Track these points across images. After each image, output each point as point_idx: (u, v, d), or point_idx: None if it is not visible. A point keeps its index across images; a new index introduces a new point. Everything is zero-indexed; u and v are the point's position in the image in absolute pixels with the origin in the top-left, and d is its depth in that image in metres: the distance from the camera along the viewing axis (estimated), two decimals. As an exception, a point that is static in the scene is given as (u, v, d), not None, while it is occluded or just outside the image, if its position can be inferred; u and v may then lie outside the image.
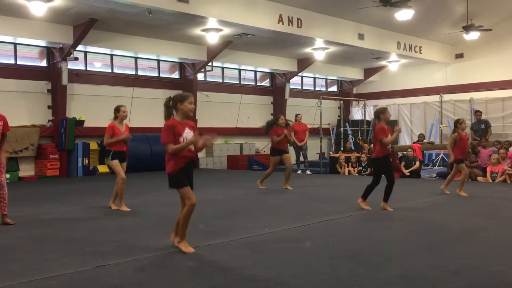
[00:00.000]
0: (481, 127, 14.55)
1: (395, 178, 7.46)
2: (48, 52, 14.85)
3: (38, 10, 11.90)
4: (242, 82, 20.10)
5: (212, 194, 9.56)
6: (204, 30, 14.67)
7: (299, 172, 14.46)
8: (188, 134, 4.83)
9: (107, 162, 7.79)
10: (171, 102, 4.89)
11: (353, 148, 17.19)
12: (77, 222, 6.68)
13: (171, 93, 16.47)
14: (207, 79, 18.79)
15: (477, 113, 14.83)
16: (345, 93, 23.45)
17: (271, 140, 10.66)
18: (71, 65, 14.82)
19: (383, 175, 7.41)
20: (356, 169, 14.68)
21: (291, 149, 16.17)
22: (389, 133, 7.36)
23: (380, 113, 7.44)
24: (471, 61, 20.23)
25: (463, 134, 9.07)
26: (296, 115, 13.97)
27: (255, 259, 4.59)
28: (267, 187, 10.38)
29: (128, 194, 8.04)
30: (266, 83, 21.09)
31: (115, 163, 7.65)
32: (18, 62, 14.46)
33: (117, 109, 7.72)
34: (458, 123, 9.07)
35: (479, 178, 11.96)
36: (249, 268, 4.28)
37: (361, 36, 17.18)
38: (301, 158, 14.51)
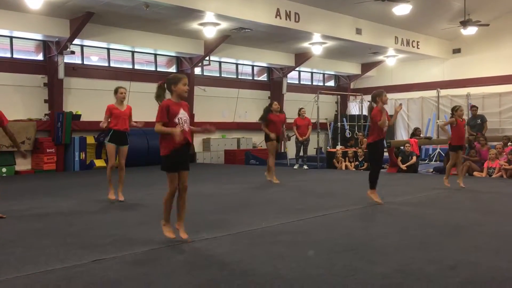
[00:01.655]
0: (477, 123, 14.56)
1: (381, 166, 7.43)
2: (45, 45, 14.79)
3: (34, 3, 11.84)
4: (239, 77, 20.08)
5: (209, 188, 9.56)
6: (201, 24, 14.63)
7: (296, 167, 14.44)
8: (182, 114, 4.90)
9: (105, 141, 7.81)
10: (165, 84, 4.98)
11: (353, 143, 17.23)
12: (74, 216, 6.67)
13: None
14: (204, 74, 18.76)
15: (473, 108, 14.83)
16: (343, 88, 23.45)
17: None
18: (68, 59, 14.78)
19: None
20: (353, 163, 14.70)
21: (292, 144, 16.23)
22: (387, 117, 7.33)
23: (377, 96, 7.36)
24: (469, 56, 20.25)
25: (460, 120, 9.12)
26: (300, 109, 13.93)
27: (252, 253, 4.59)
28: (268, 181, 10.34)
29: (125, 188, 8.03)
30: (263, 77, 21.07)
31: (110, 146, 7.66)
32: (14, 56, 14.40)
33: (115, 91, 7.83)
34: (454, 110, 9.20)
35: (476, 173, 11.99)
36: (246, 262, 4.28)
37: (358, 31, 17.17)
38: (301, 153, 14.48)
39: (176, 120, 4.83)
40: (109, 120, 7.66)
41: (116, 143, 7.68)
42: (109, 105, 7.73)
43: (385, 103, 7.35)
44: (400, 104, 7.79)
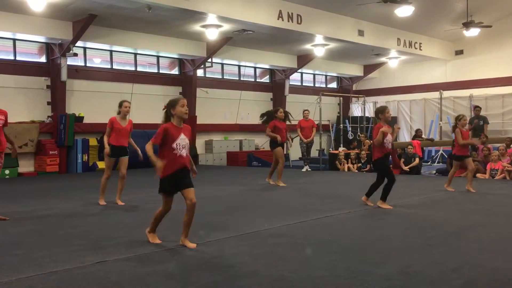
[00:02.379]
0: (479, 123, 14.57)
1: (395, 177, 7.44)
2: (48, 48, 14.83)
3: (37, 5, 11.86)
4: (241, 79, 20.09)
5: (212, 190, 9.56)
6: (203, 26, 14.65)
7: (304, 169, 14.33)
8: (183, 140, 4.83)
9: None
10: (166, 109, 4.95)
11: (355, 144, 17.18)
12: (76, 218, 6.68)
13: (171, 89, 16.47)
14: (207, 75, 18.78)
15: (476, 108, 14.83)
16: (345, 89, 23.44)
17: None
18: (71, 61, 14.82)
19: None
20: (355, 165, 14.69)
21: (294, 147, 16.21)
22: (389, 132, 7.33)
23: (379, 112, 7.40)
24: (471, 57, 20.23)
25: (464, 130, 9.08)
26: (304, 111, 13.96)
27: (255, 255, 4.59)
28: (271, 183, 10.35)
29: (127, 190, 8.05)
30: (265, 79, 21.08)
31: (109, 160, 7.74)
32: (17, 58, 14.45)
33: (120, 104, 7.83)
34: (457, 119, 9.14)
35: (479, 175, 11.96)
36: (249, 264, 4.28)
37: (361, 33, 17.16)
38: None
39: (174, 145, 4.77)
40: (110, 133, 7.70)
41: (115, 156, 7.75)
42: (112, 118, 7.73)
43: (388, 120, 7.31)
44: (399, 128, 7.85)
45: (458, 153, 9.16)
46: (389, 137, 7.28)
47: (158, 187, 4.88)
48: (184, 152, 4.85)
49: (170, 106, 4.90)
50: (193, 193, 4.79)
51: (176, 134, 4.82)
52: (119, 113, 7.78)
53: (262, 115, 10.79)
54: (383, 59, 20.96)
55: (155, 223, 5.07)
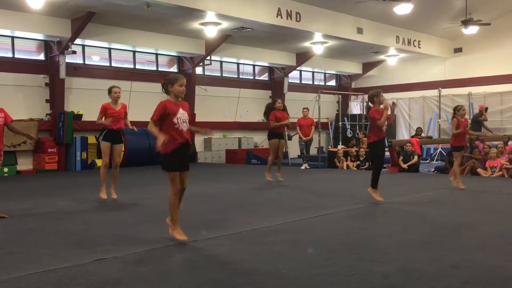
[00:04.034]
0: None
1: (382, 165, 7.44)
2: (46, 45, 14.81)
3: (36, 3, 11.86)
4: (240, 76, 20.08)
5: (210, 188, 9.57)
6: (202, 24, 14.64)
7: (303, 167, 14.34)
8: (182, 114, 4.89)
9: (99, 140, 7.85)
10: (164, 85, 5.02)
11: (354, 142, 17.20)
12: (75, 215, 6.68)
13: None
14: (206, 73, 18.77)
15: (487, 110, 14.88)
16: (344, 87, 23.45)
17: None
18: (69, 59, 14.80)
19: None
20: (354, 163, 14.70)
21: (293, 144, 16.23)
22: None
23: (374, 96, 7.39)
24: (470, 55, 20.24)
25: (462, 121, 9.06)
26: (303, 109, 13.96)
27: (253, 252, 4.59)
28: (272, 180, 10.30)
29: (127, 187, 8.06)
30: (264, 77, 21.07)
31: (104, 145, 7.73)
32: (16, 56, 14.43)
33: (109, 91, 7.88)
34: (456, 110, 9.11)
35: (480, 170, 11.95)
36: (247, 261, 4.28)
37: (360, 30, 17.16)
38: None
39: (175, 120, 4.82)
40: (103, 118, 7.70)
41: (110, 141, 7.75)
42: (104, 104, 7.80)
43: (382, 103, 7.35)
44: (393, 103, 7.82)
45: (455, 143, 9.13)
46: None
47: (161, 167, 4.90)
48: (185, 127, 4.90)
49: (168, 83, 4.95)
50: (186, 177, 4.97)
51: (175, 109, 4.87)
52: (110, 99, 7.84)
53: (265, 111, 10.74)
54: (382, 57, 20.97)
55: (174, 212, 4.87)
